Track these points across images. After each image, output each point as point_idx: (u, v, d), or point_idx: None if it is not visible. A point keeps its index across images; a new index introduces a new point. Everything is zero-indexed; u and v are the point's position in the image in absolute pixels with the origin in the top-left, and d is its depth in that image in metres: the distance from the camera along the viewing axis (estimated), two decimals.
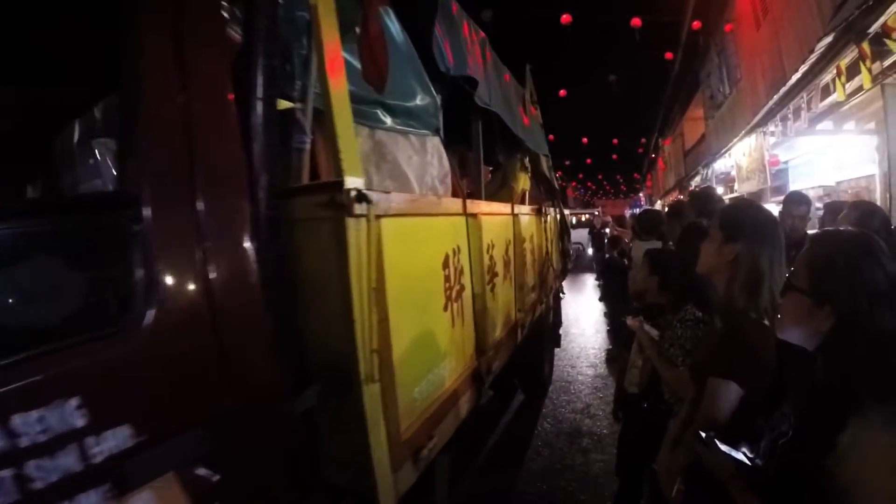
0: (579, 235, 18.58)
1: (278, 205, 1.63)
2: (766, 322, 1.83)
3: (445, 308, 2.51)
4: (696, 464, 1.85)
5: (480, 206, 3.26)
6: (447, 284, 2.54)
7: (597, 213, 23.68)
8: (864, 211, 3.30)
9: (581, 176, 45.17)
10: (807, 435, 1.40)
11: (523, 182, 5.50)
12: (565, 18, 11.08)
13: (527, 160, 5.77)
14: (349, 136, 1.76)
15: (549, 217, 6.51)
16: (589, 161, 32.49)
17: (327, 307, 1.70)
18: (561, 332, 9.21)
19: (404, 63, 2.72)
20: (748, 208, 2.09)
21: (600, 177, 49.95)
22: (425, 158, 2.79)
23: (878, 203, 6.52)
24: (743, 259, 1.87)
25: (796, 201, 4.08)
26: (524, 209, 5.06)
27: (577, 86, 17.83)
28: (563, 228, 7.75)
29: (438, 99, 3.15)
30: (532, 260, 5.16)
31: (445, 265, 2.53)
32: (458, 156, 4.81)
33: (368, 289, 1.67)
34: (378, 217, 1.77)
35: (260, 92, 1.62)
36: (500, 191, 5.15)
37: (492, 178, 5.54)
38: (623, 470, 3.61)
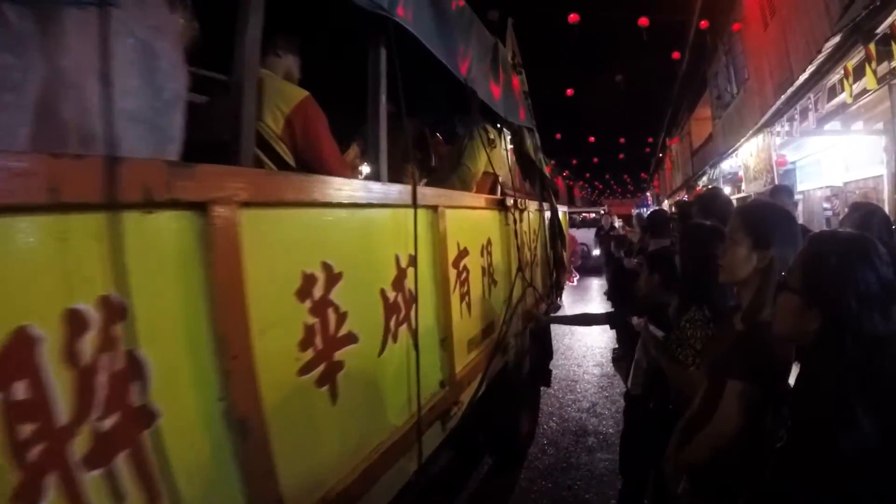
0: (585, 236, 18.27)
1: None
2: None
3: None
4: (703, 462, 1.88)
5: (258, 186, 1.39)
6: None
7: (602, 211, 23.48)
8: (864, 212, 3.39)
9: (588, 175, 45.13)
10: (799, 441, 1.40)
11: (484, 163, 3.82)
12: (573, 17, 11.07)
13: (493, 134, 4.11)
14: None
15: (527, 214, 4.60)
16: (596, 160, 32.41)
17: None
18: (567, 331, 9.23)
19: None
20: (774, 212, 2.01)
21: (607, 176, 49.91)
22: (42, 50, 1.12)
23: (886, 204, 6.53)
24: (777, 265, 1.81)
25: (785, 192, 4.54)
26: (465, 199, 3.18)
27: (585, 85, 17.85)
28: (556, 231, 5.99)
29: None
30: (485, 285, 3.38)
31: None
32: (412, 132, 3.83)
33: None
34: None
35: None
36: (452, 174, 3.75)
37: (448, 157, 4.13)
38: (627, 469, 3.63)
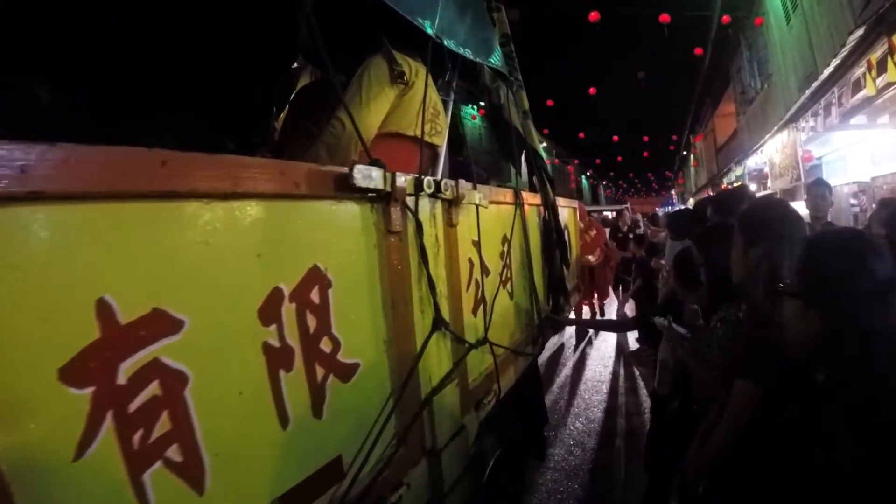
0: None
1: None
2: None
3: None
4: (723, 463, 1.90)
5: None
6: None
7: (625, 208, 22.86)
8: (894, 208, 3.30)
9: (612, 174, 44.87)
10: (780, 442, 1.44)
11: (378, 115, 2.28)
12: (593, 16, 11.05)
13: (407, 68, 2.34)
14: None
15: (466, 210, 2.39)
16: (620, 159, 32.21)
17: None
18: (593, 332, 9.14)
19: None
20: (765, 209, 2.03)
21: (631, 175, 49.56)
22: None
23: None
24: (763, 262, 1.83)
25: (817, 185, 4.39)
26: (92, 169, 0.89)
27: (607, 83, 17.78)
28: (553, 238, 4.06)
29: None
30: (311, 391, 1.40)
31: None
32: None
33: None
34: None
35: None
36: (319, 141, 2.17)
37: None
38: (653, 469, 3.64)
